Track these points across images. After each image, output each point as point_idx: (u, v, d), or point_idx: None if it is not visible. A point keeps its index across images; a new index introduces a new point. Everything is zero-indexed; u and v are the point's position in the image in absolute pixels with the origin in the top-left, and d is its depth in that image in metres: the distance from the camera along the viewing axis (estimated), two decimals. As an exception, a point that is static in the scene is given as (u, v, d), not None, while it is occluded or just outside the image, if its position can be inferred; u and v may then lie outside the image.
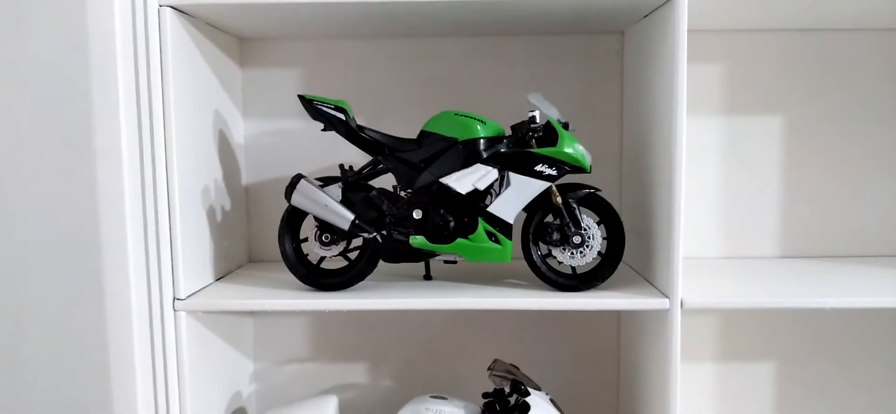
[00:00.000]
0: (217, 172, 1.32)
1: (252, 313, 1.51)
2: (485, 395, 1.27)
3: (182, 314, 1.15)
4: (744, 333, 1.50)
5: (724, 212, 1.48)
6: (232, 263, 1.40)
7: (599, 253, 1.18)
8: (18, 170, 1.06)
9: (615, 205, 1.20)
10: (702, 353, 1.51)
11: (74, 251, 1.07)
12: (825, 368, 1.51)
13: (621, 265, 1.39)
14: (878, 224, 1.48)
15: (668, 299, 1.13)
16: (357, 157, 1.27)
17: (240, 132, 1.45)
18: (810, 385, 1.52)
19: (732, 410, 1.52)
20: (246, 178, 1.47)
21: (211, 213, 1.29)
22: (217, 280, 1.31)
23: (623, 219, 1.19)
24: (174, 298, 1.14)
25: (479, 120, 1.17)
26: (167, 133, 1.11)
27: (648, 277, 1.26)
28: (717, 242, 1.49)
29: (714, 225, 1.48)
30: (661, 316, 1.17)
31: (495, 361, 1.32)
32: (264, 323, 1.52)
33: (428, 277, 1.28)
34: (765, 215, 1.48)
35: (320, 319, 1.51)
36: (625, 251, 1.17)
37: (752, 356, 1.52)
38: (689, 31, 1.08)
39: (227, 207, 1.37)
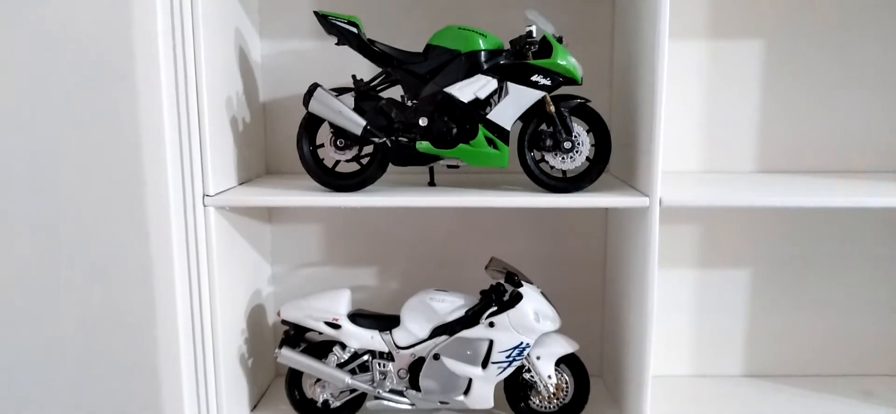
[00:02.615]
0: (238, 87, 1.44)
1: (270, 221, 1.64)
2: (482, 292, 1.41)
3: (211, 209, 1.28)
4: (722, 240, 1.64)
5: (706, 129, 1.59)
6: (252, 173, 1.52)
7: (588, 158, 1.31)
8: (66, 88, 1.18)
9: (605, 120, 1.32)
10: (682, 259, 1.65)
11: (118, 155, 1.19)
12: (797, 272, 1.65)
13: (609, 176, 1.52)
14: (852, 142, 1.59)
15: (647, 198, 1.26)
16: (367, 73, 1.38)
17: (257, 51, 1.56)
18: (782, 288, 1.65)
19: (711, 311, 1.67)
20: (263, 95, 1.58)
21: (234, 123, 1.40)
22: (239, 185, 1.43)
23: (612, 133, 1.31)
24: (204, 195, 1.27)
25: (480, 34, 1.28)
26: (196, 48, 1.22)
27: (632, 183, 1.38)
28: (699, 158, 1.61)
29: (696, 141, 1.60)
30: (642, 215, 1.29)
31: (492, 259, 1.45)
32: (281, 231, 1.65)
33: (432, 183, 1.41)
34: (744, 133, 1.60)
35: (333, 226, 1.65)
36: (613, 163, 1.29)
37: (730, 263, 1.65)
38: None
39: (248, 119, 1.48)
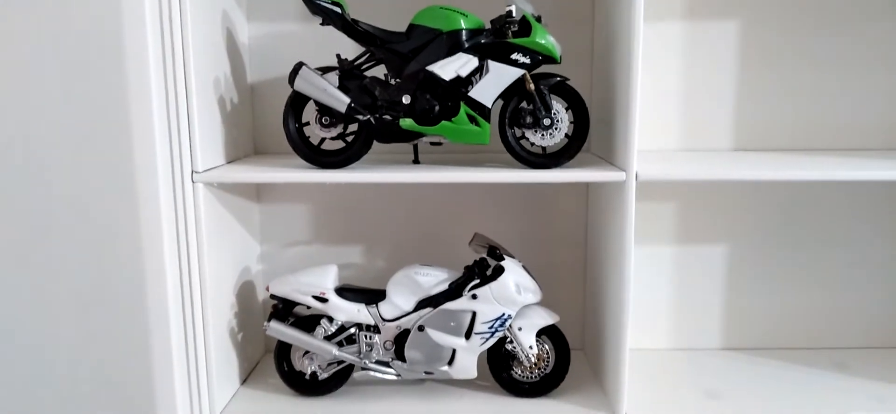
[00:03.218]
0: (226, 68, 1.46)
1: (258, 200, 1.67)
2: (466, 267, 1.45)
3: (200, 186, 1.31)
4: (699, 217, 1.68)
5: (683, 110, 1.64)
6: (240, 152, 1.55)
7: (567, 135, 1.35)
8: (54, 67, 1.20)
9: (585, 98, 1.36)
10: (661, 237, 1.69)
11: (107, 133, 1.22)
12: (773, 248, 1.70)
13: (590, 155, 1.56)
14: (826, 122, 1.63)
15: (624, 173, 1.30)
16: (351, 53, 1.41)
17: (245, 33, 1.59)
18: (758, 264, 1.70)
19: (689, 287, 1.72)
20: (251, 77, 1.61)
21: (221, 103, 1.43)
22: (228, 163, 1.46)
23: (592, 112, 1.35)
24: (192, 171, 1.30)
25: (461, 13, 1.31)
26: (184, 29, 1.24)
27: (611, 160, 1.42)
28: (676, 137, 1.65)
29: (673, 121, 1.64)
30: (619, 189, 1.34)
31: (475, 234, 1.50)
32: (269, 210, 1.68)
33: (416, 161, 1.44)
34: (720, 113, 1.64)
35: (321, 206, 1.68)
36: (593, 143, 1.33)
37: (707, 240, 1.70)
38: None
39: (235, 100, 1.51)
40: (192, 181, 1.31)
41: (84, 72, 1.20)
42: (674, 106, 1.64)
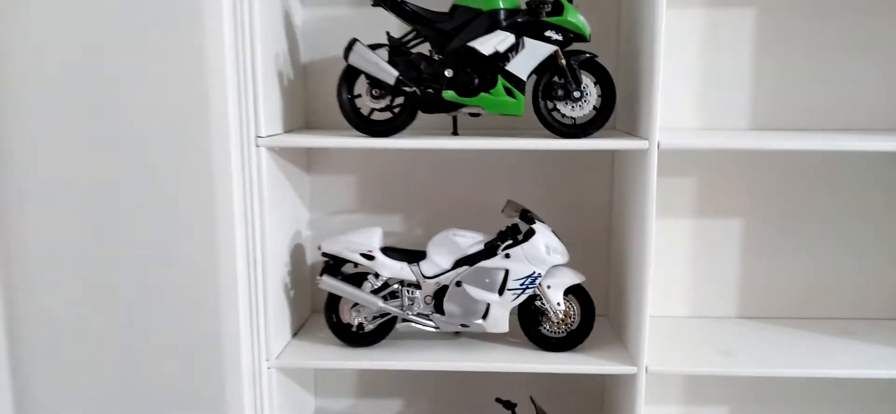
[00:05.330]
0: (284, 46, 1.61)
1: (309, 171, 1.82)
2: (500, 231, 1.58)
3: (263, 150, 1.46)
4: (718, 191, 1.79)
5: (703, 92, 1.75)
6: (294, 125, 1.70)
7: (595, 107, 1.48)
8: (140, 43, 1.36)
9: (612, 76, 1.48)
10: (681, 210, 1.81)
11: (187, 100, 1.37)
12: (788, 222, 1.80)
13: (616, 131, 1.69)
14: (842, 103, 1.73)
15: (647, 142, 1.43)
16: (398, 32, 1.54)
17: (299, 16, 1.74)
18: (774, 237, 1.81)
19: (707, 258, 1.83)
20: (304, 57, 1.77)
21: (279, 78, 1.58)
22: (285, 133, 1.61)
23: (618, 89, 1.48)
24: (256, 136, 1.45)
25: (499, -5, 1.45)
26: (252, 11, 1.39)
27: (635, 133, 1.55)
28: (696, 117, 1.77)
29: (693, 102, 1.76)
30: (642, 159, 1.46)
31: (508, 201, 1.63)
32: (318, 180, 1.83)
33: (455, 132, 1.58)
34: (739, 95, 1.75)
35: (365, 177, 1.82)
36: (619, 119, 1.45)
37: (725, 213, 1.81)
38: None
39: (291, 76, 1.66)
40: (257, 146, 1.46)
41: (166, 47, 1.36)
42: (694, 88, 1.75)
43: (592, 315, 1.59)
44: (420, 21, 1.48)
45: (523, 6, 1.46)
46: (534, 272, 1.52)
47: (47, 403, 1.53)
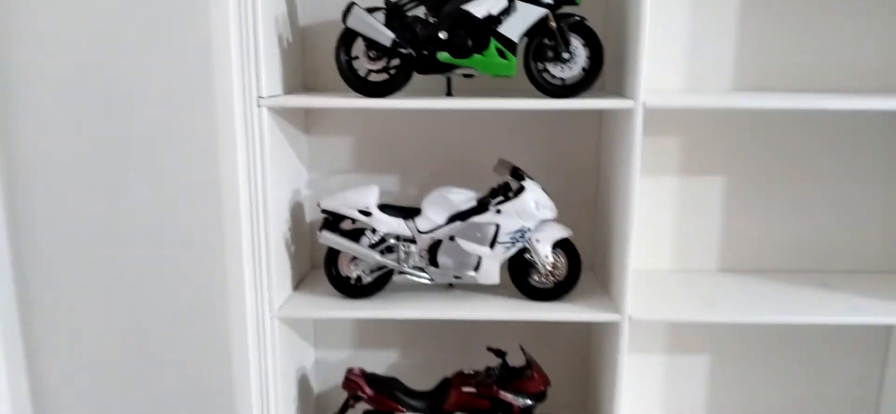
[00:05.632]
0: (283, 9, 1.66)
1: (307, 132, 1.88)
2: (491, 189, 1.65)
3: (264, 110, 1.52)
4: (701, 150, 1.87)
5: (688, 53, 1.81)
6: (292, 87, 1.75)
7: (584, 68, 1.54)
8: (140, 7, 1.41)
9: (601, 39, 1.54)
10: (666, 168, 1.88)
11: (192, 61, 1.43)
12: (768, 179, 1.88)
13: (604, 93, 1.75)
14: (824, 64, 1.79)
15: (632, 101, 1.49)
16: (394, -4, 1.60)
17: (297, -20, 1.78)
18: (754, 193, 1.89)
19: (690, 214, 1.91)
20: (302, 20, 1.81)
21: (279, 40, 1.63)
22: (284, 94, 1.67)
23: (606, 52, 1.54)
24: (258, 96, 1.51)
25: (492, -41, 1.50)
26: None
27: (622, 94, 1.61)
28: (681, 78, 1.82)
29: (678, 65, 1.82)
30: (628, 118, 1.53)
31: (500, 160, 1.70)
32: (316, 141, 1.89)
33: (449, 93, 1.64)
34: (723, 59, 1.81)
35: (362, 138, 1.89)
36: (607, 81, 1.50)
37: (708, 170, 1.89)
38: None
39: (290, 39, 1.71)
40: (258, 105, 1.51)
41: (172, 11, 1.41)
42: (680, 50, 1.81)
43: (579, 267, 1.67)
44: (415, -16, 1.53)
45: (515, -30, 1.51)
46: (524, 227, 1.60)
47: (57, 346, 1.61)
